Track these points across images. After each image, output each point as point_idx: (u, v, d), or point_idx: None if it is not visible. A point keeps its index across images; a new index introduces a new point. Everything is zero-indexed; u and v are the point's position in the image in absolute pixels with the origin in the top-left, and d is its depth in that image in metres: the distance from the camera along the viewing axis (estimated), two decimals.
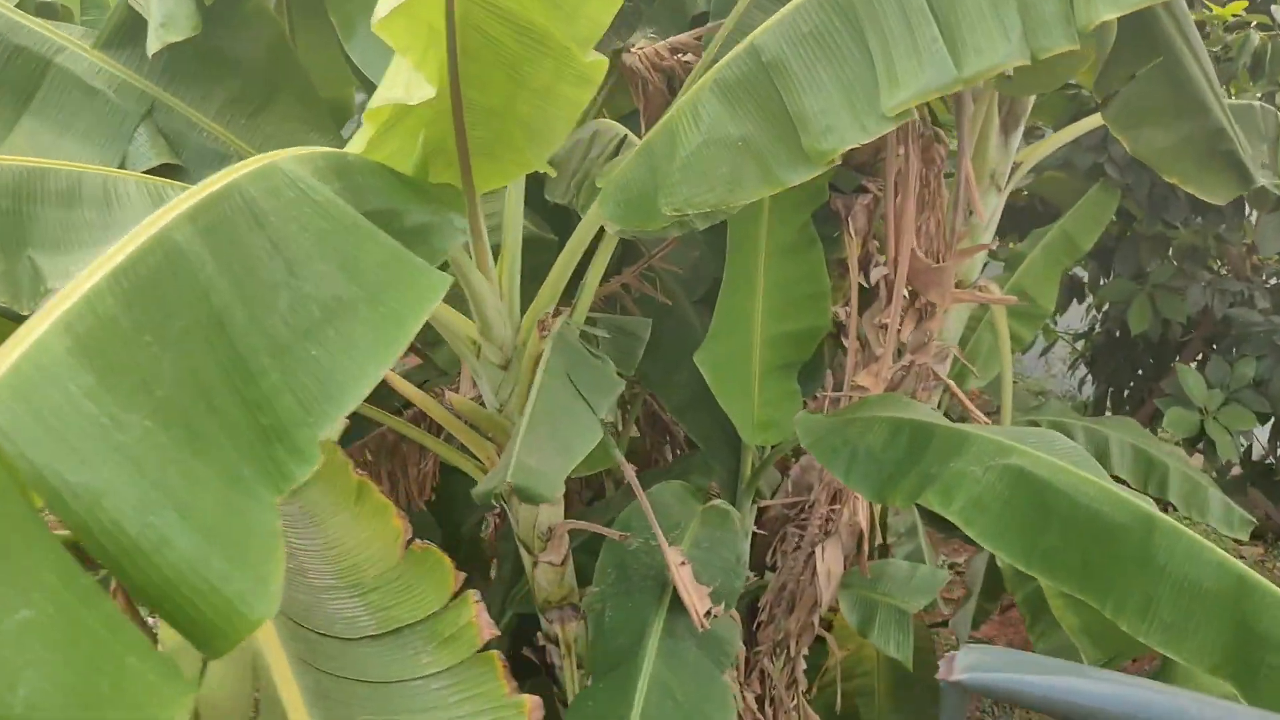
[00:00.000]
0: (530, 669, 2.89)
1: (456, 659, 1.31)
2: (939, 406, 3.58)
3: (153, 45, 1.89)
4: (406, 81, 1.58)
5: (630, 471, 2.54)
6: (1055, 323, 5.84)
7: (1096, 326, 5.49)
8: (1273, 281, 4.72)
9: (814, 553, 3.02)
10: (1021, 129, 3.46)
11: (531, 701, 1.27)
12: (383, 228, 1.48)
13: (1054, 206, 4.50)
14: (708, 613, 2.43)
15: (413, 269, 1.30)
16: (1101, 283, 4.72)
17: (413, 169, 1.83)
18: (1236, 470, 4.77)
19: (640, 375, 3.20)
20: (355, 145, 1.67)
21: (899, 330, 2.93)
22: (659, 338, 2.99)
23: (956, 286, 3.56)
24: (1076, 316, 5.91)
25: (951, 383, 3.15)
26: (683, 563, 2.45)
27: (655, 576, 2.54)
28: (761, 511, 3.34)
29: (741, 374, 2.90)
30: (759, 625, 3.25)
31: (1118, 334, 5.19)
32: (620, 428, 3.48)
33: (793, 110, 1.83)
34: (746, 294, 2.84)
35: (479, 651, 1.31)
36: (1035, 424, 3.86)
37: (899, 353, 3.06)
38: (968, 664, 1.22)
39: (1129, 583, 1.99)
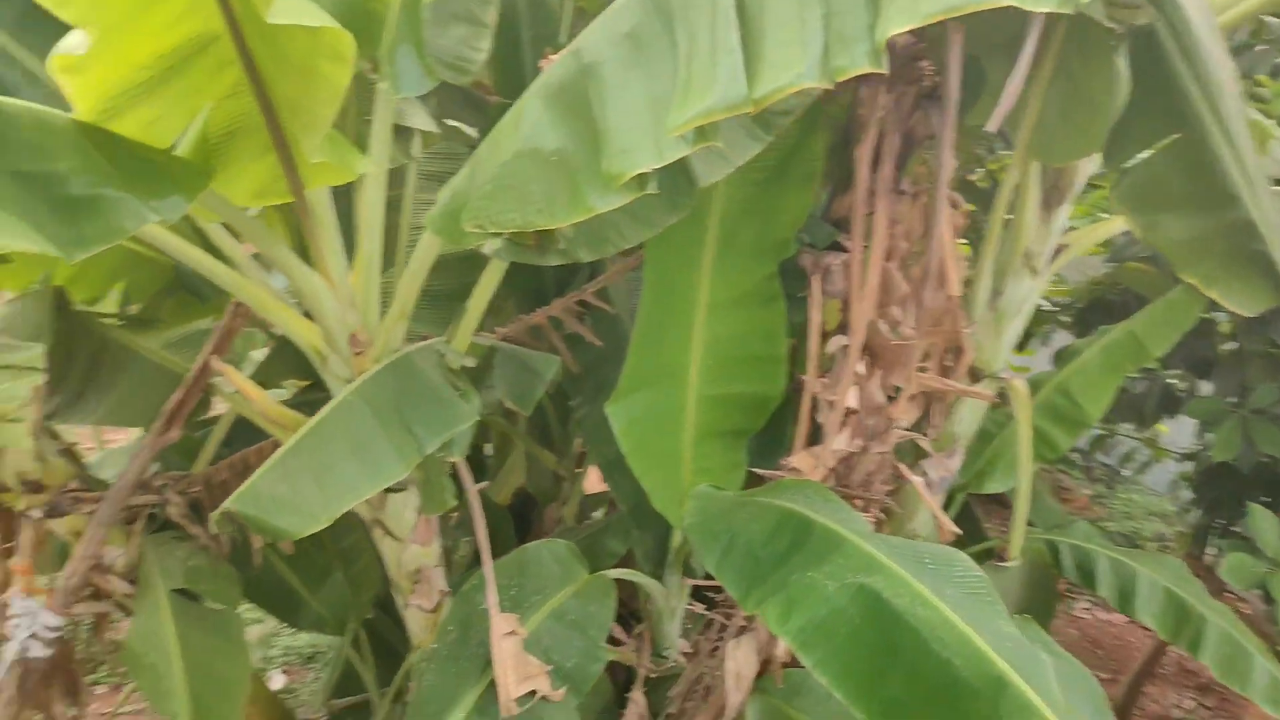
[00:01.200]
0: None
1: None
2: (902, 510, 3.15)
3: None
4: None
5: (479, 522, 2.26)
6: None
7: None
8: None
9: (723, 649, 2.65)
10: (1068, 205, 3.00)
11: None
12: (27, 191, 1.29)
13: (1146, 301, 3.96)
14: (531, 694, 2.13)
15: None
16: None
17: (189, 146, 1.65)
18: None
19: (576, 423, 2.93)
20: (80, 105, 1.49)
21: (847, 412, 2.54)
22: (601, 382, 2.72)
23: (973, 373, 3.14)
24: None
25: (917, 480, 2.70)
26: (510, 633, 2.14)
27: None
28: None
29: (667, 436, 2.57)
30: (668, 718, 2.89)
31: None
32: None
33: (600, 123, 1.54)
34: (677, 345, 2.52)
35: None
36: (1053, 544, 3.34)
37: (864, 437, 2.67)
38: None
39: None
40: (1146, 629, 3.20)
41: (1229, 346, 4.04)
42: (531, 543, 2.49)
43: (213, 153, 1.72)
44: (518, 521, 3.51)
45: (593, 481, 3.95)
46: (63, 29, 1.90)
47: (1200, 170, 2.14)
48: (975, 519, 3.70)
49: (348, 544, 3.20)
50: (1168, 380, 4.43)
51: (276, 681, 5.27)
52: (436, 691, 2.16)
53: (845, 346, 2.53)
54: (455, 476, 2.36)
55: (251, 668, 2.70)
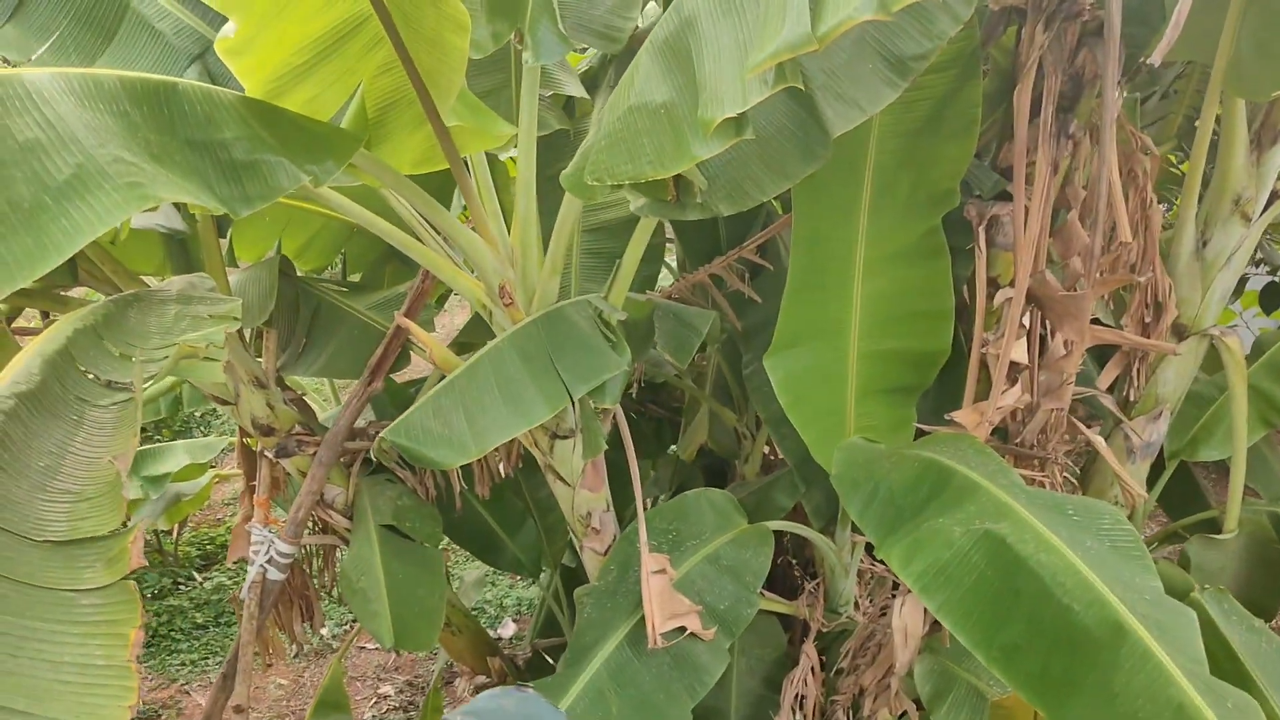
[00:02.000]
0: None
1: (112, 579, 1.33)
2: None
3: None
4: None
5: (634, 468, 2.39)
6: None
7: None
8: None
9: (890, 606, 2.65)
10: None
11: (136, 635, 1.26)
12: (199, 156, 1.54)
13: None
14: (681, 630, 2.24)
15: (105, 193, 1.32)
16: None
17: (350, 119, 1.87)
18: None
19: (745, 377, 3.00)
20: (249, 85, 1.73)
21: (1014, 365, 2.45)
22: (768, 339, 2.78)
23: (1178, 329, 2.94)
24: None
25: (1099, 440, 2.57)
26: (659, 570, 2.26)
27: None
28: None
29: (829, 391, 2.58)
30: (839, 672, 2.91)
31: None
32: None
33: (698, 73, 1.61)
34: (837, 301, 2.52)
35: (124, 579, 1.32)
36: (1277, 517, 3.07)
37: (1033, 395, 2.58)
38: (477, 706, 1.03)
39: (1080, 705, 1.53)
40: None
41: None
42: (690, 491, 2.59)
43: (372, 126, 1.93)
44: (709, 478, 3.63)
45: None
46: None
47: None
48: (1196, 487, 3.44)
49: (542, 496, 3.44)
50: None
51: (508, 629, 5.69)
52: (593, 623, 2.32)
53: (1010, 299, 2.44)
54: (616, 425, 2.50)
55: (448, 597, 2.96)
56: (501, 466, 3.06)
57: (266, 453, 2.89)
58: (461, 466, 3.00)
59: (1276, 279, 4.57)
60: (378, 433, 3.00)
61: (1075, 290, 2.40)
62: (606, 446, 2.38)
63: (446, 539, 3.15)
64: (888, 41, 2.04)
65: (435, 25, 1.64)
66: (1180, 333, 2.95)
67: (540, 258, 2.32)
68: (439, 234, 2.39)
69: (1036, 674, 1.62)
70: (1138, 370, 2.96)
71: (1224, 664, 2.30)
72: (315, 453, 2.84)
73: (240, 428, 2.95)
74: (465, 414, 1.96)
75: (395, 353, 2.77)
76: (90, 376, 1.67)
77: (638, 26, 2.52)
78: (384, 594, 2.72)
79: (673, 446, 3.90)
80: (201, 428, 8.25)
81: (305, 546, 3.16)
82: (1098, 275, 2.36)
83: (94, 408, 1.61)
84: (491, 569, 5.20)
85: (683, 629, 2.24)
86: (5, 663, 1.22)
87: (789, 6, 1.37)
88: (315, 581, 3.22)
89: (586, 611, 2.36)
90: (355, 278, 3.41)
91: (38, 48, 2.21)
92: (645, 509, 2.52)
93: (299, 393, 3.01)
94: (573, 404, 2.41)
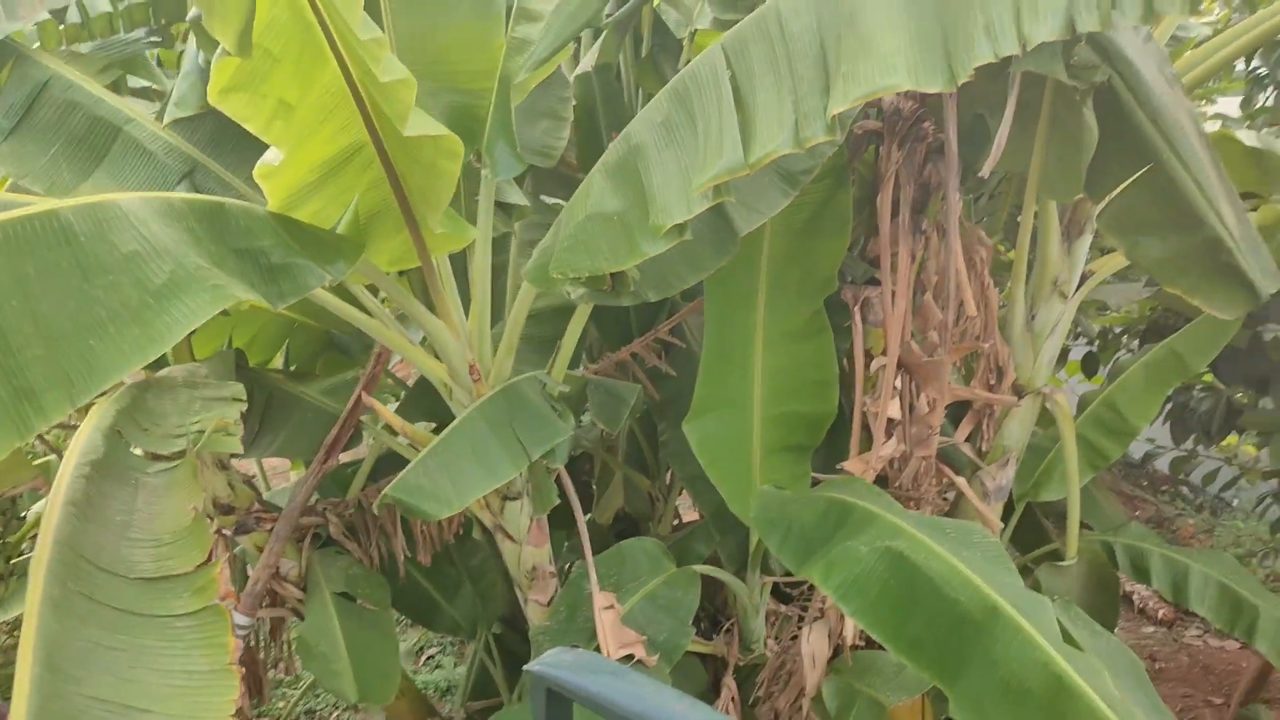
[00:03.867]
0: None
1: (201, 605, 1.61)
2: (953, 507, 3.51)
3: (166, 118, 2.43)
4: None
5: (581, 521, 2.75)
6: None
7: None
8: None
9: (799, 636, 3.05)
10: (1088, 236, 3.36)
11: (234, 643, 1.55)
12: (244, 262, 1.87)
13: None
14: (628, 658, 2.58)
15: (195, 293, 1.64)
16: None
17: (345, 226, 2.22)
18: None
19: (662, 445, 3.41)
20: (272, 201, 2.07)
21: (890, 421, 2.94)
22: (681, 409, 3.18)
23: (1017, 390, 3.51)
24: None
25: (961, 480, 3.08)
26: (609, 606, 2.61)
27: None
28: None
29: (739, 451, 3.00)
30: (756, 701, 3.29)
31: None
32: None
33: (646, 190, 2.04)
34: (740, 374, 2.97)
35: (215, 604, 1.61)
36: (1108, 544, 3.64)
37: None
38: (546, 659, 1.38)
39: (971, 675, 1.96)
40: (1258, 652, 3.43)
41: None
42: (627, 540, 2.96)
43: (362, 231, 2.29)
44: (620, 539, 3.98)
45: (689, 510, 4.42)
46: (245, 145, 2.52)
47: (1167, 197, 2.51)
48: (1039, 525, 3.99)
49: (475, 563, 3.73)
50: (1231, 397, 4.64)
51: None
52: None
53: (884, 366, 2.94)
54: (560, 484, 2.85)
55: (400, 661, 3.21)
56: (440, 535, 3.36)
57: (225, 531, 3.11)
58: (405, 536, 3.31)
59: (1093, 349, 5.30)
60: (326, 509, 3.28)
61: (934, 357, 2.92)
62: (557, 501, 2.73)
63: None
64: (782, 161, 2.52)
65: (432, 154, 2.02)
66: (1019, 392, 3.53)
67: (491, 342, 2.70)
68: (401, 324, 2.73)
69: (936, 658, 2.04)
70: (987, 425, 3.50)
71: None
72: (271, 528, 3.08)
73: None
74: (448, 474, 2.29)
75: (349, 433, 3.06)
76: (136, 451, 1.95)
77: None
78: (344, 654, 2.96)
79: (588, 515, 4.25)
80: None
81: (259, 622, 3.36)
82: (951, 344, 2.88)
83: (144, 475, 1.89)
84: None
85: (631, 656, 2.58)
86: (127, 672, 1.50)
87: (725, 141, 1.82)
88: (263, 656, 3.40)
89: (544, 648, 2.67)
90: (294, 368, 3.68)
91: (34, 164, 2.49)
92: (569, 570, 2.86)
93: (247, 475, 3.24)
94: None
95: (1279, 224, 3.41)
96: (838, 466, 2.98)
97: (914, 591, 2.11)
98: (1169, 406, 4.85)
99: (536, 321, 3.16)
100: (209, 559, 1.66)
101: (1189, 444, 5.01)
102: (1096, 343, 5.43)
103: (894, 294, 2.89)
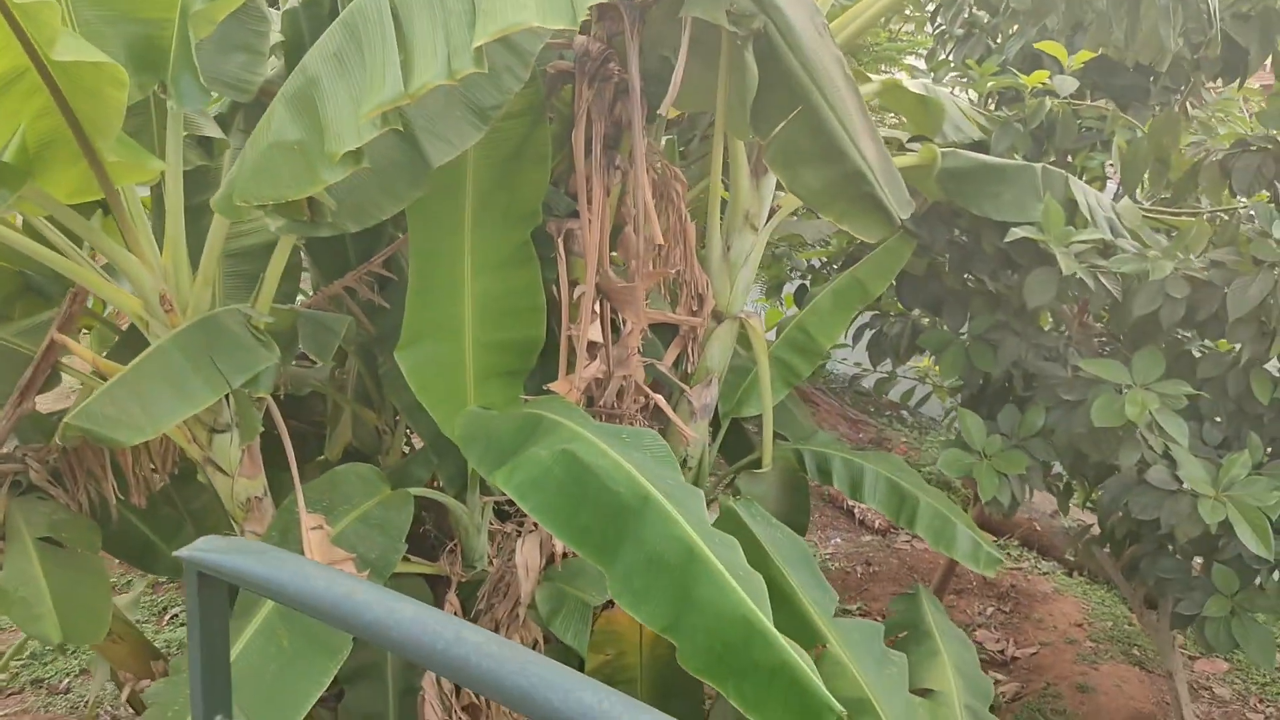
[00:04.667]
0: None
1: None
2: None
3: None
4: None
5: (289, 449, 2.82)
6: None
7: None
8: (1099, 340, 4.83)
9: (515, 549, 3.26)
10: (773, 174, 3.71)
11: None
12: None
13: None
14: None
15: None
16: None
17: (11, 155, 2.18)
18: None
19: (381, 375, 3.51)
20: None
21: (593, 343, 3.18)
22: (397, 339, 3.27)
23: (716, 315, 3.83)
24: None
25: (658, 397, 3.37)
26: (316, 526, 2.72)
27: None
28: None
29: (451, 377, 3.14)
30: (478, 614, 3.48)
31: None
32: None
33: (322, 119, 2.14)
34: (450, 301, 3.10)
35: None
36: (799, 452, 4.06)
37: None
38: (198, 544, 1.48)
39: (625, 555, 2.22)
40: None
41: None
42: (340, 465, 3.06)
43: (34, 160, 2.25)
44: None
45: None
46: None
47: (817, 133, 2.85)
48: (745, 438, 4.38)
49: (198, 505, 3.71)
50: (916, 321, 5.21)
51: None
52: None
53: (584, 293, 3.16)
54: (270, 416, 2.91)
55: (111, 600, 3.18)
56: (156, 475, 3.33)
57: None
58: (117, 479, 3.26)
59: (806, 282, 5.79)
60: (26, 455, 3.19)
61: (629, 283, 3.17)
62: (262, 429, 2.79)
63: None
64: (471, 96, 2.66)
65: (94, 80, 2.03)
66: (719, 317, 3.87)
67: (190, 274, 2.71)
68: (93, 259, 2.69)
69: (599, 543, 2.29)
70: (691, 349, 3.82)
71: (751, 550, 3.14)
72: None
73: None
74: (139, 402, 2.32)
75: (45, 374, 2.99)
76: None
77: (265, 79, 2.98)
78: (47, 598, 2.91)
79: (321, 457, 4.29)
80: None
81: None
82: (645, 271, 3.14)
83: None
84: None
85: None
86: None
87: (388, 71, 1.95)
88: None
89: None
90: None
91: None
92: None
93: None
94: (228, 400, 2.82)
95: (935, 161, 3.88)
96: (544, 387, 3.18)
97: (583, 487, 2.34)
98: (871, 333, 5.40)
99: (248, 258, 3.18)
100: None
101: (887, 365, 5.56)
102: (810, 276, 5.94)
103: (592, 225, 3.10)
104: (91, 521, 3.20)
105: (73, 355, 2.90)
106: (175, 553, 1.49)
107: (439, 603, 3.45)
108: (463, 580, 3.46)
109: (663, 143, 4.04)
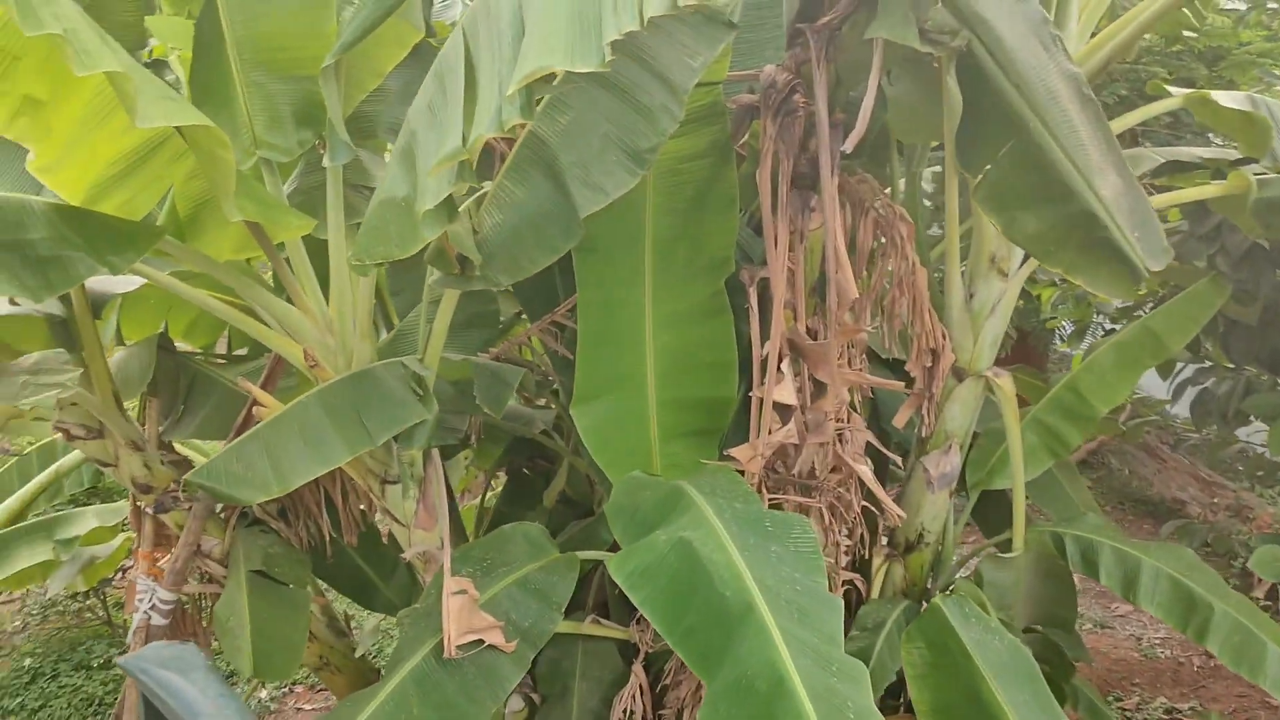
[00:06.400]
0: None
1: None
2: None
3: None
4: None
5: (443, 509, 2.76)
6: None
7: None
8: None
9: None
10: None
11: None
12: (10, 254, 1.95)
13: None
14: (479, 643, 2.57)
15: None
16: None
17: (164, 217, 2.28)
18: None
19: (571, 428, 3.38)
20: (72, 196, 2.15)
21: (781, 407, 2.83)
22: None
23: (957, 373, 3.34)
24: None
25: (861, 468, 2.94)
26: (460, 591, 2.61)
27: None
28: None
29: (632, 436, 2.93)
30: (664, 688, 3.24)
31: None
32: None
33: (418, 173, 2.02)
34: (631, 355, 2.89)
35: None
36: (1058, 535, 3.42)
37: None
38: (144, 652, 1.40)
39: (724, 673, 1.89)
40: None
41: None
42: (508, 524, 2.95)
43: (189, 222, 2.34)
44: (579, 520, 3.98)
45: None
46: None
47: (1036, 168, 2.32)
48: (996, 512, 3.78)
49: None
50: (1251, 378, 4.29)
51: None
52: (407, 640, 2.66)
53: (769, 350, 2.83)
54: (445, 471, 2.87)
55: (333, 642, 3.30)
56: (365, 518, 3.44)
57: (147, 509, 3.25)
58: (333, 519, 3.39)
59: (1115, 327, 4.99)
60: None
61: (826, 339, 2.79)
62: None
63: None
64: (626, 139, 2.46)
65: (207, 143, 2.05)
66: (960, 375, 3.35)
67: (353, 328, 2.72)
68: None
69: (701, 652, 1.97)
70: (927, 410, 3.33)
71: (957, 657, 2.64)
72: (190, 507, 3.21)
73: (131, 491, 3.32)
74: (269, 457, 2.34)
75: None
76: None
77: None
78: (247, 630, 3.06)
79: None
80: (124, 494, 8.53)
81: (199, 596, 3.50)
82: (836, 326, 2.75)
83: None
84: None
85: (481, 641, 2.58)
86: None
87: (450, 128, 1.79)
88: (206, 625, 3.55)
89: (404, 630, 2.70)
90: (242, 351, 3.81)
91: None
92: None
93: (179, 455, 3.38)
94: (392, 452, 2.80)
95: (1249, 189, 3.14)
96: (724, 453, 2.89)
97: (693, 585, 2.04)
98: (1196, 390, 4.55)
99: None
100: None
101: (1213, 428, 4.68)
102: (1121, 323, 5.12)
103: (778, 274, 2.77)
104: (304, 557, 3.34)
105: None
106: (115, 660, 1.42)
107: (626, 672, 3.25)
108: (651, 650, 3.23)
109: (901, 180, 3.59)
